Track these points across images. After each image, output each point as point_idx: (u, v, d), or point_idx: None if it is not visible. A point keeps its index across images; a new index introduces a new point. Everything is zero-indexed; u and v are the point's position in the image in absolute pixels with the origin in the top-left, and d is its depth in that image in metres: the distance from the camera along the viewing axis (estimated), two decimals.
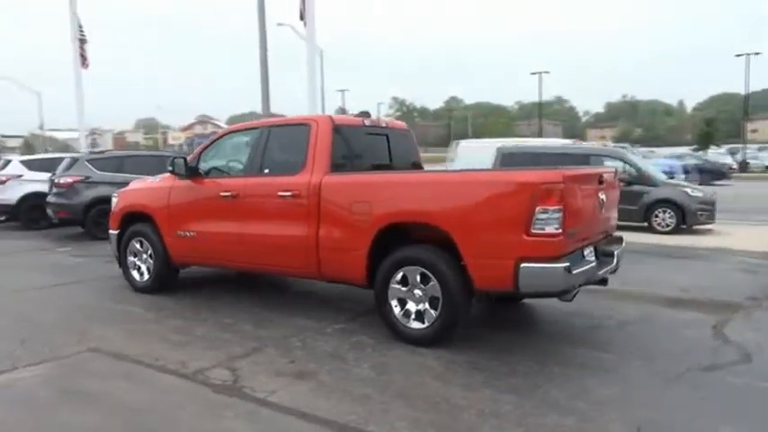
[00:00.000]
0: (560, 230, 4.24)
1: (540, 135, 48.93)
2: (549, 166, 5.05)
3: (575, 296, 4.51)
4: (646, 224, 11.89)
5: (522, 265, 4.27)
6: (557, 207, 4.21)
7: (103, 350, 4.79)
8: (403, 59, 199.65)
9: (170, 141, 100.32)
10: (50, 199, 11.18)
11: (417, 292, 4.79)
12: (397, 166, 6.15)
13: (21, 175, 12.65)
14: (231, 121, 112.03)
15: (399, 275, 4.85)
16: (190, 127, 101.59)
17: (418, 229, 4.80)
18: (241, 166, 6.02)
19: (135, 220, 6.81)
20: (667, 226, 11.65)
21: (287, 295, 6.74)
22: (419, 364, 4.43)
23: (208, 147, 6.35)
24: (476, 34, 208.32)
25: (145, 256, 6.72)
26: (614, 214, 5.50)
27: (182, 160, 6.20)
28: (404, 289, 4.85)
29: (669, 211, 11.68)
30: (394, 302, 4.90)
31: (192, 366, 4.40)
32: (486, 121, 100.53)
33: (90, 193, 10.93)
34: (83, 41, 18.93)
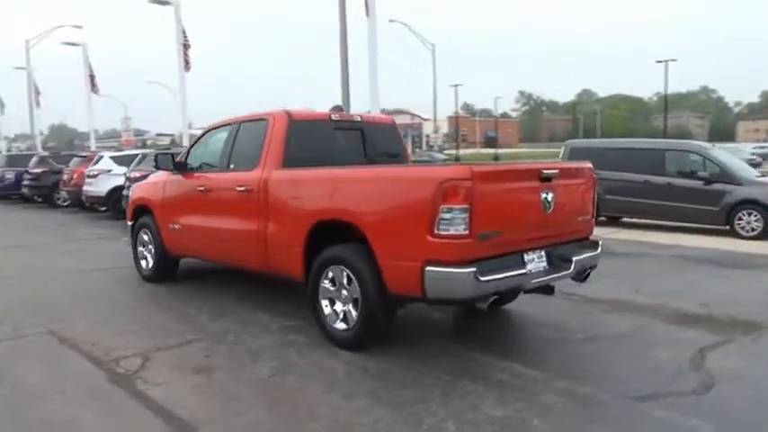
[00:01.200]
0: (467, 232, 3.85)
1: (664, 130, 44.83)
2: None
3: (491, 305, 4.06)
4: (728, 227, 10.52)
5: (427, 268, 3.93)
6: (462, 206, 3.82)
7: (57, 334, 5.09)
8: (533, 52, 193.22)
9: None
10: (124, 192, 12.17)
11: (344, 292, 4.59)
12: (373, 162, 5.94)
13: (110, 170, 13.90)
14: None
15: (330, 274, 4.69)
16: None
17: (343, 226, 4.59)
18: (216, 162, 6.14)
19: (143, 212, 7.19)
20: (753, 230, 10.21)
21: (273, 288, 6.75)
22: (323, 368, 4.24)
23: (196, 142, 6.55)
24: (612, 22, 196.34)
25: (150, 246, 7.08)
26: (581, 215, 4.88)
27: (169, 156, 6.45)
28: (332, 288, 4.67)
29: (755, 213, 10.22)
30: (325, 302, 4.74)
31: (114, 354, 4.55)
32: (619, 114, 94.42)
33: None
34: (186, 47, 20.43)
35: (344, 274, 4.53)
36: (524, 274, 4.17)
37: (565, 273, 4.58)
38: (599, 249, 4.99)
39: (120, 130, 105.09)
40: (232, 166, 5.82)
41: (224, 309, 5.82)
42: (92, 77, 27.79)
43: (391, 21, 45.73)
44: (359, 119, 6.01)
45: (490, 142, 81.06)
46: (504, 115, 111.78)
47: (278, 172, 5.19)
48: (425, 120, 78.39)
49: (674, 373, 4.10)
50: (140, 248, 7.26)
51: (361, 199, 4.40)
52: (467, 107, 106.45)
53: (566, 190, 4.61)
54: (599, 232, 10.95)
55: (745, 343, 4.80)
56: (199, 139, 6.57)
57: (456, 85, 57.33)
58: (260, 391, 3.86)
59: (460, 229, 3.84)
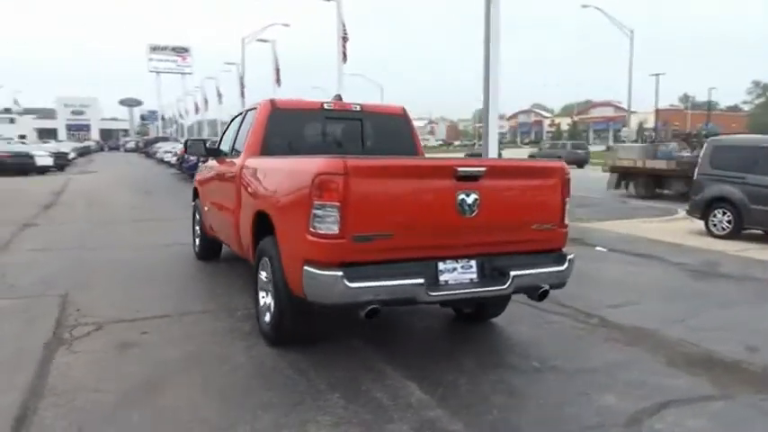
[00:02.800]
0: (339, 232, 3.52)
1: None
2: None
3: (373, 313, 3.63)
4: None
5: (304, 267, 3.68)
6: (334, 203, 3.51)
7: (67, 297, 5.67)
8: None
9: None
10: None
11: (270, 285, 4.49)
12: (372, 153, 5.67)
13: None
14: (564, 110, 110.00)
15: (264, 266, 4.61)
16: (514, 116, 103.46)
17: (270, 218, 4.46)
18: (229, 148, 6.34)
19: (196, 194, 7.75)
20: None
21: None
22: (222, 359, 4.21)
23: (227, 129, 6.85)
24: None
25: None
26: (536, 223, 4.12)
27: (200, 142, 6.83)
28: (265, 280, 4.59)
29: None
30: (262, 293, 4.67)
31: (82, 320, 4.99)
32: None
33: None
34: (345, 39, 21.26)
35: (269, 266, 4.43)
36: (418, 284, 3.65)
37: (497, 288, 3.95)
38: (565, 265, 4.19)
39: None
40: (235, 152, 5.98)
41: (226, 291, 6.06)
42: (277, 71, 30.47)
43: (584, 6, 42.94)
44: (357, 108, 5.75)
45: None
46: (734, 108, 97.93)
47: (249, 159, 5.22)
48: (632, 112, 72.24)
49: (585, 426, 3.31)
50: (196, 227, 7.84)
51: (272, 191, 4.27)
52: (686, 99, 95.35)
53: (504, 192, 3.95)
54: (739, 247, 9.19)
55: (742, 403, 3.67)
56: (229, 125, 6.86)
57: (657, 74, 51.77)
58: (142, 373, 3.94)
59: (333, 229, 3.53)
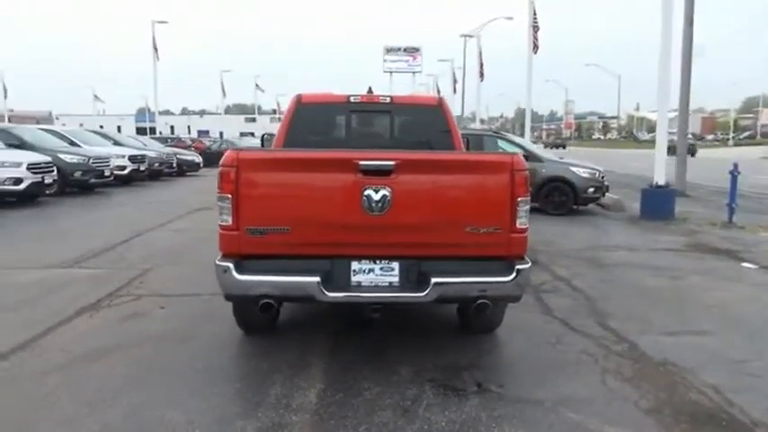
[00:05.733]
0: (232, 223, 3.56)
1: None
2: None
3: (266, 308, 3.56)
4: None
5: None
6: (228, 195, 3.57)
7: (147, 271, 6.58)
8: None
9: (762, 121, 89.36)
10: None
11: None
12: (400, 146, 5.48)
13: None
14: None
15: None
16: None
17: None
18: None
19: None
20: None
21: None
22: (186, 340, 4.51)
23: None
24: None
25: None
26: (470, 225, 3.57)
27: (274, 137, 7.22)
28: None
29: None
30: None
31: (134, 292, 5.71)
32: None
33: None
34: (536, 29, 20.24)
35: None
36: (313, 283, 3.49)
37: (414, 295, 3.58)
38: (512, 275, 3.59)
39: (563, 113, 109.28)
40: None
41: None
42: (481, 66, 30.14)
43: None
44: (387, 100, 5.56)
45: None
46: None
47: None
48: None
49: None
50: None
51: None
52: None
53: (425, 189, 3.55)
54: None
55: None
56: None
57: None
58: (111, 341, 4.41)
59: (228, 220, 3.59)
